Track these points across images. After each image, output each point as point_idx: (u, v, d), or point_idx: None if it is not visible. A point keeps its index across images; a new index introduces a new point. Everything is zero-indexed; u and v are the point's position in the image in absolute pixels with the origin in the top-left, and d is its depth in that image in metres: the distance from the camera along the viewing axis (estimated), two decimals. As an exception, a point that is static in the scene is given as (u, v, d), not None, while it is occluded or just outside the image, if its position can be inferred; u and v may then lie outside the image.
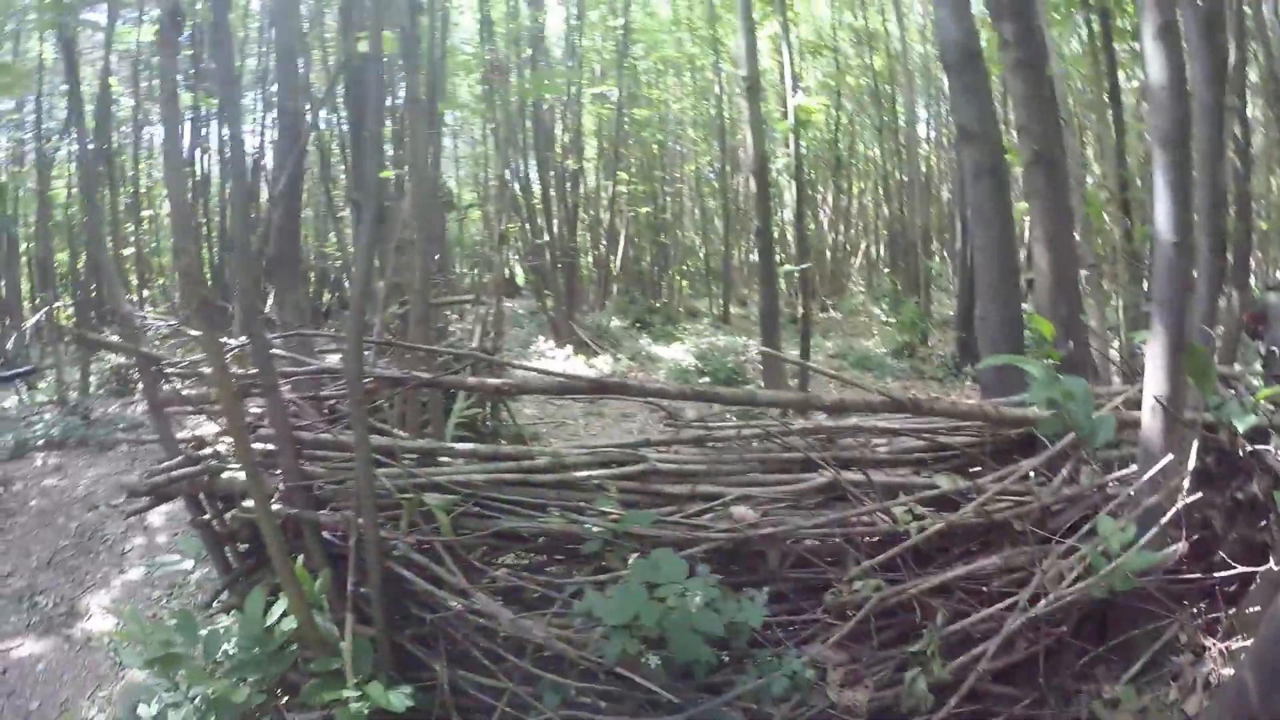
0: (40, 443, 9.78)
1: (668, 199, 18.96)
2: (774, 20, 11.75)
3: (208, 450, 3.49)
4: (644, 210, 17.32)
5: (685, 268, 19.74)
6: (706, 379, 10.82)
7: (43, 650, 5.39)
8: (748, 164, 14.73)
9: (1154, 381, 2.73)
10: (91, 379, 12.08)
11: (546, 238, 13.66)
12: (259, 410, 3.46)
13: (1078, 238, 5.98)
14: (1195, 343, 2.79)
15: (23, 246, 17.05)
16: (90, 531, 7.29)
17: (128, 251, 15.97)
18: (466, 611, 2.78)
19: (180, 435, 3.63)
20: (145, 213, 17.34)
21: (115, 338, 3.51)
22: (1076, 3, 8.21)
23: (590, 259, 17.44)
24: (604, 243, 16.79)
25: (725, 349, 13.02)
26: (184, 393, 3.59)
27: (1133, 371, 4.34)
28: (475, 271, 16.87)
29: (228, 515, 3.33)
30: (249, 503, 3.18)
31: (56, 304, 16.14)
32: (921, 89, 18.32)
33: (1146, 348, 2.81)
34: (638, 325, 14.21)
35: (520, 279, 16.41)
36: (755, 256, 20.27)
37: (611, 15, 15.16)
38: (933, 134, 20.07)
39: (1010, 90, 4.77)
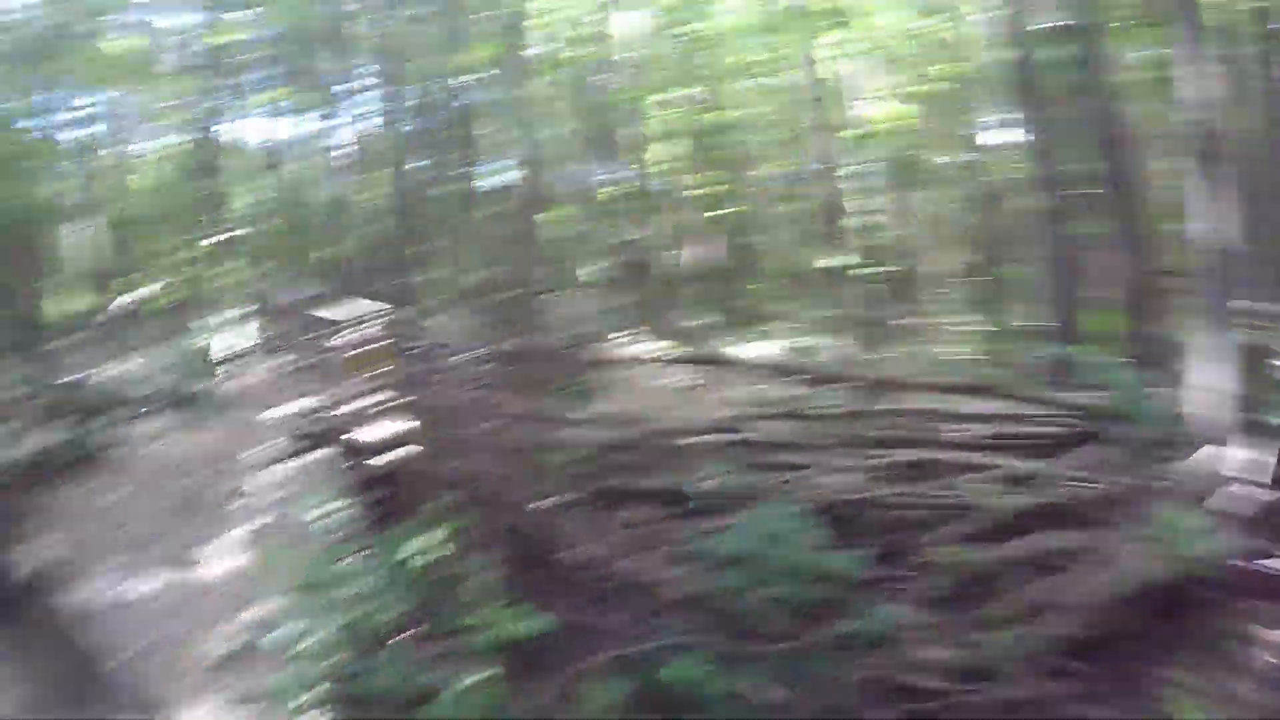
0: (144, 411, 10.61)
1: (747, 201, 19.25)
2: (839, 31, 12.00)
3: (356, 406, 4.03)
4: (725, 211, 17.68)
5: (764, 269, 19.97)
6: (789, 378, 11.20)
7: (161, 589, 5.94)
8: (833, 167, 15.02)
9: (1203, 373, 3.02)
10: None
11: (635, 235, 14.04)
12: (411, 373, 4.02)
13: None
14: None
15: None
16: (198, 490, 7.72)
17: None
18: (588, 555, 3.26)
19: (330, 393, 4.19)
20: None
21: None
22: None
23: (672, 256, 17.83)
24: (685, 241, 17.15)
25: (804, 350, 13.34)
26: (338, 355, 4.11)
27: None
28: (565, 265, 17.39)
29: (370, 464, 3.88)
30: (396, 453, 3.75)
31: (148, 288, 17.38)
32: (986, 98, 18.23)
33: (1195, 343, 3.11)
34: (720, 325, 14.60)
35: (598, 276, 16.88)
36: (835, 260, 20.69)
37: (685, 22, 15.60)
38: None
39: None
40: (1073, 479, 3.43)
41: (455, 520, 3.40)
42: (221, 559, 6.37)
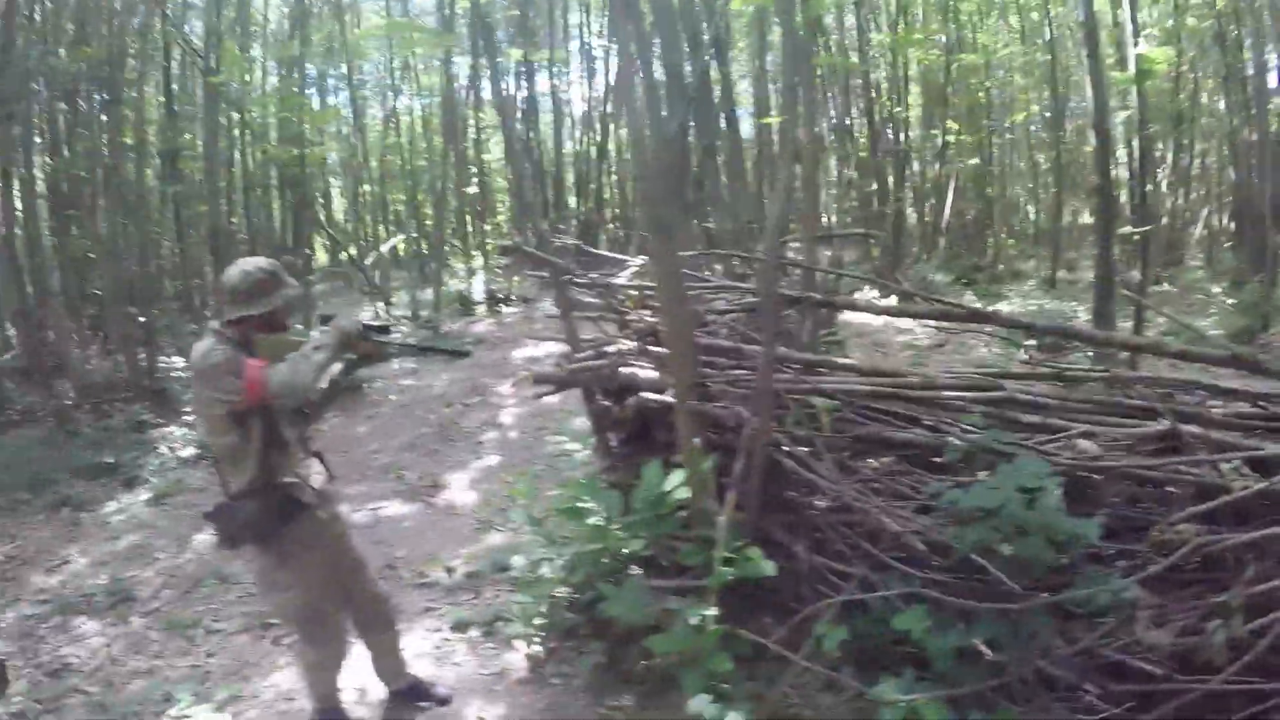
0: (396, 349, 11.60)
1: (994, 151, 18.19)
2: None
3: (610, 349, 4.28)
4: (971, 162, 16.87)
5: (1011, 225, 18.91)
6: (1033, 341, 10.66)
7: (409, 512, 6.43)
8: (1086, 117, 13.93)
9: None
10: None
11: (875, 186, 13.77)
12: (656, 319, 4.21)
13: None
14: None
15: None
16: (447, 423, 8.56)
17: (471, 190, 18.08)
18: (836, 501, 3.32)
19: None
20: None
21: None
22: None
23: (915, 211, 17.30)
24: (930, 195, 16.60)
25: (1053, 313, 12.60)
26: (586, 299, 4.38)
27: None
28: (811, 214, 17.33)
29: (624, 404, 4.13)
30: (648, 394, 3.96)
31: (399, 238, 18.93)
32: (1272, 33, 16.05)
33: None
34: (962, 282, 14.05)
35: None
36: (1087, 217, 19.20)
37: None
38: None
39: None
40: None
41: (702, 460, 3.48)
42: (469, 486, 6.93)
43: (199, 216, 13.21)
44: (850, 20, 16.24)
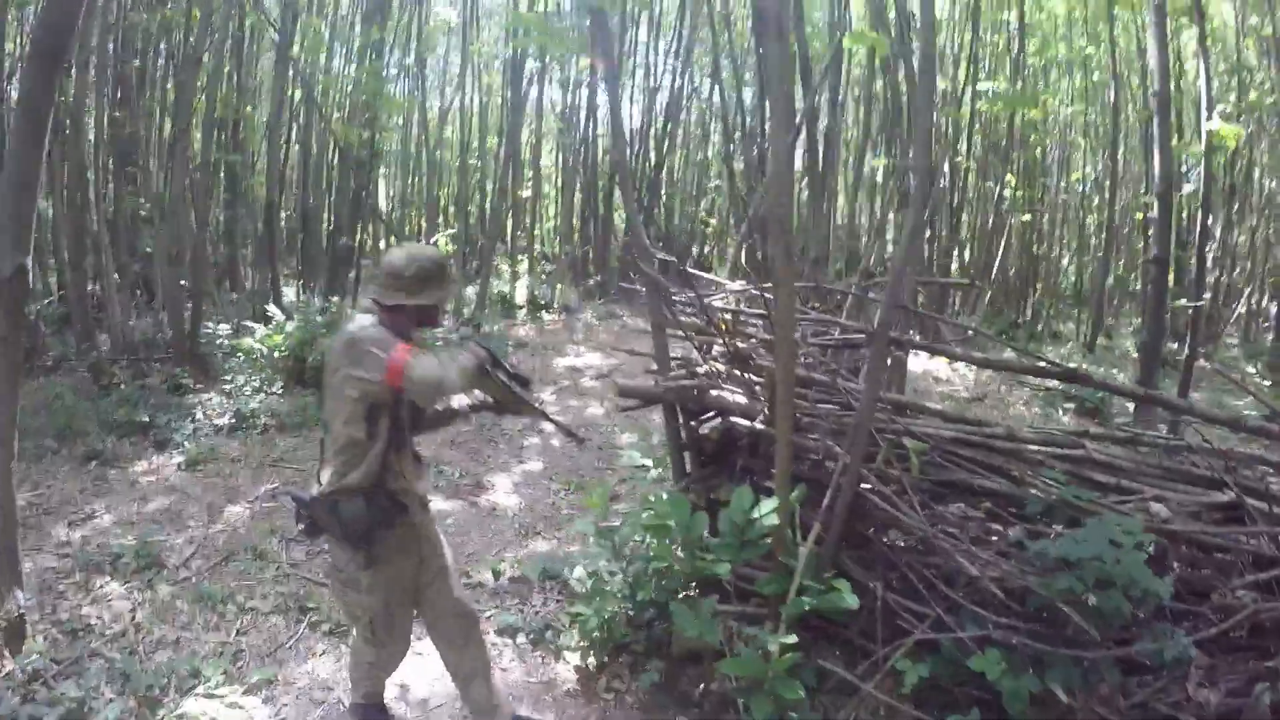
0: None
1: (1044, 209, 18.34)
2: (1190, 30, 11.17)
3: (701, 370, 4.38)
4: (1024, 218, 16.99)
5: (1052, 285, 19.01)
6: (1071, 404, 10.79)
7: (451, 509, 6.43)
8: (1138, 183, 14.08)
9: None
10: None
11: (928, 233, 13.82)
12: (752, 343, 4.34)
13: None
14: None
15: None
16: (489, 424, 8.44)
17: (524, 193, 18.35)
18: (916, 540, 3.42)
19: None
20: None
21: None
22: None
23: (961, 260, 17.38)
24: (978, 247, 16.71)
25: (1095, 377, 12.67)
26: (681, 318, 4.47)
27: None
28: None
29: (708, 426, 4.23)
30: (737, 419, 4.07)
31: (449, 231, 19.18)
32: None
33: None
34: (1003, 336, 14.15)
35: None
36: (1132, 284, 19.27)
37: (1004, 8, 15.02)
38: None
39: None
40: None
41: (784, 489, 3.57)
42: (513, 490, 6.96)
43: (253, 188, 13.43)
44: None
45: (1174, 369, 12.96)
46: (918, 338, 10.03)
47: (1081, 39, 16.14)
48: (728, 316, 4.33)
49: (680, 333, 4.47)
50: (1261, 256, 19.65)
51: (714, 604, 3.64)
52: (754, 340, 4.46)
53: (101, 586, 4.83)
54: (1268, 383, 13.83)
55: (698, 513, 3.74)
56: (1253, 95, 15.17)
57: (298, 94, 13.19)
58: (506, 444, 8.24)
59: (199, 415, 8.10)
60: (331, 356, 2.96)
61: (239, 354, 9.23)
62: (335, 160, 14.66)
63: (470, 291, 14.76)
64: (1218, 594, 3.30)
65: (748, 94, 17.71)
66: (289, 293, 13.06)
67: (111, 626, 4.41)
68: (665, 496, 3.91)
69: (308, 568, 5.30)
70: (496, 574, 5.24)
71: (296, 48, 11.30)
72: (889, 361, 4.01)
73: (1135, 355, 16.00)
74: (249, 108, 13.16)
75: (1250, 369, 15.21)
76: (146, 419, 7.68)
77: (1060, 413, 10.74)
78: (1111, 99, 16.03)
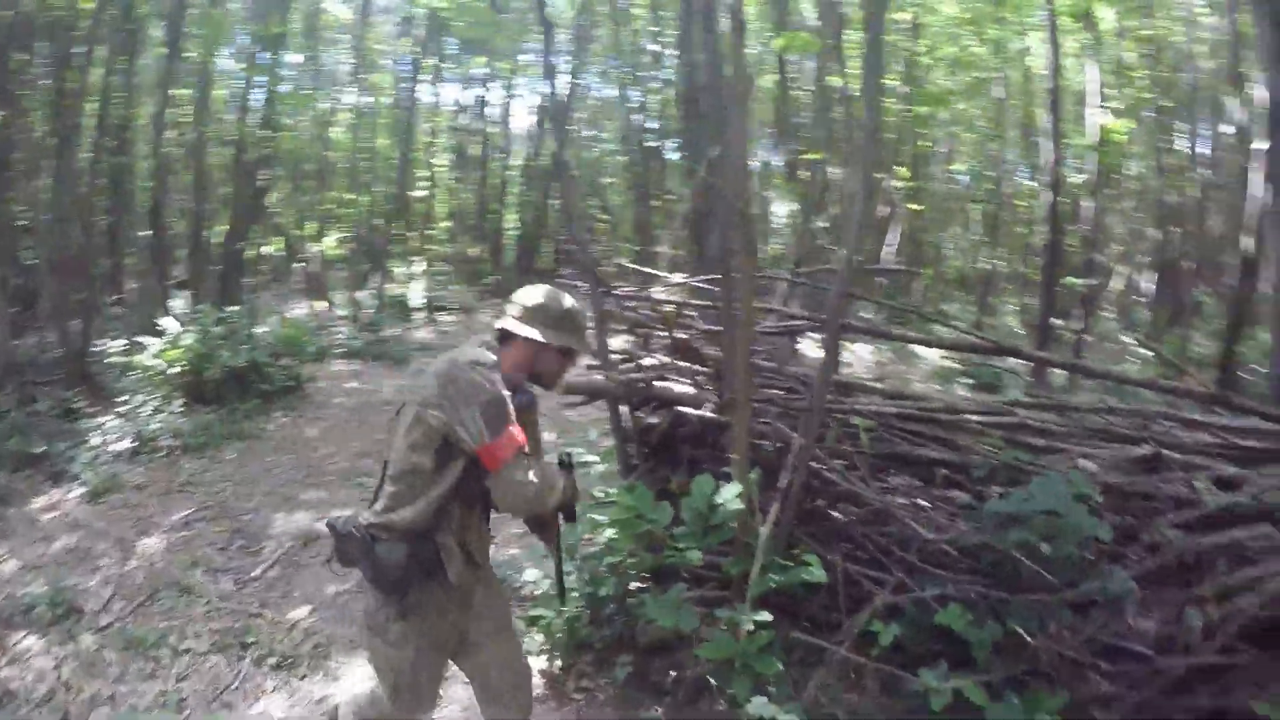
0: (339, 351, 11.47)
1: (930, 199, 19.17)
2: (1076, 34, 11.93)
3: (647, 363, 4.47)
4: (914, 208, 17.68)
5: (940, 271, 19.89)
6: (970, 379, 11.31)
7: None
8: (1039, 173, 14.90)
9: None
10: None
11: (824, 225, 14.26)
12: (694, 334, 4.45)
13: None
14: None
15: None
16: None
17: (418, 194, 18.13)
18: (870, 512, 3.60)
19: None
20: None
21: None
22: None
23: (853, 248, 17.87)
24: (869, 237, 17.22)
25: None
26: (624, 313, 4.55)
27: None
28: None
29: (655, 418, 4.32)
30: (685, 409, 4.18)
31: (341, 235, 18.75)
32: (1207, 110, 17.51)
33: None
34: (896, 323, 14.66)
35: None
36: (1011, 266, 20.36)
37: (897, 9, 15.57)
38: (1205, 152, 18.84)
39: None
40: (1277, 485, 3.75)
41: (743, 473, 3.66)
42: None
43: (139, 193, 12.83)
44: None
45: (1058, 343, 13.79)
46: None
47: (969, 40, 17.02)
48: (670, 308, 4.42)
49: (621, 326, 4.55)
50: (1134, 236, 21.08)
51: (682, 591, 3.73)
52: (695, 331, 4.58)
53: (17, 644, 4.47)
54: (1148, 350, 14.81)
55: (662, 502, 3.80)
56: (1133, 92, 16.32)
57: (187, 92, 12.67)
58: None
59: (96, 441, 7.61)
60: (420, 379, 2.61)
61: (134, 371, 8.75)
62: (228, 162, 14.15)
63: (364, 295, 14.50)
64: (1147, 535, 3.66)
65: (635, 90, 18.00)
66: (178, 303, 12.56)
67: (36, 689, 4.08)
68: (618, 490, 3.98)
69: (239, 599, 5.07)
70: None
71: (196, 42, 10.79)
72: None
73: (1021, 333, 16.96)
74: (136, 107, 12.53)
75: (1127, 339, 16.23)
76: (42, 449, 7.24)
77: (957, 388, 11.24)
78: (997, 95, 16.94)
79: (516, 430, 2.45)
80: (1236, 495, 3.70)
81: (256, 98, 12.20)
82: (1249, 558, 3.58)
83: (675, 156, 16.46)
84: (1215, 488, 3.85)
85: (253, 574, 5.37)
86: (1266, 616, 3.47)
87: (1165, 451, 3.95)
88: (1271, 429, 4.17)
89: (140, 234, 12.27)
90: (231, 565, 5.52)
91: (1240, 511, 3.71)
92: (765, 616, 3.40)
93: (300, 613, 4.89)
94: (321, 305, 14.26)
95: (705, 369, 4.32)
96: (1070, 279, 11.99)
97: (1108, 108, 11.25)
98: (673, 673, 3.92)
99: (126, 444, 7.54)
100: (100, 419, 8.16)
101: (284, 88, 12.69)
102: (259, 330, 10.04)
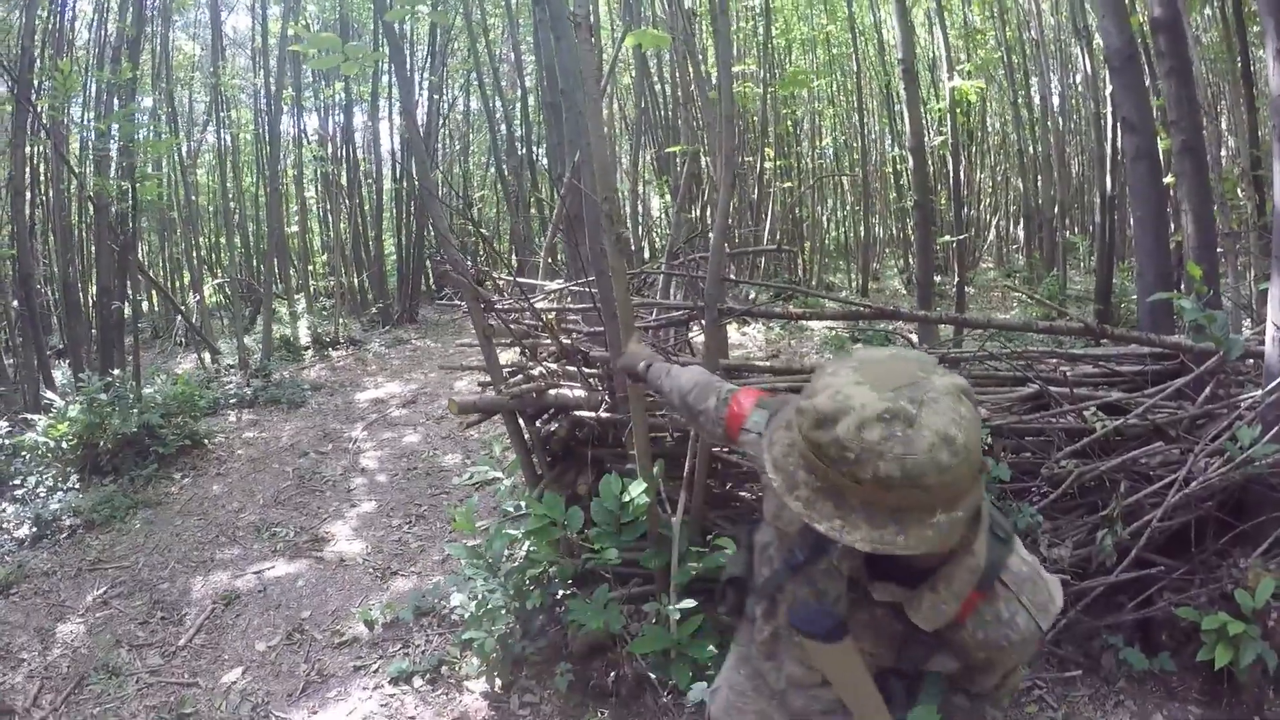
0: (232, 401, 11.10)
1: (801, 175, 19.63)
2: (928, 3, 12.41)
3: (536, 373, 4.46)
4: (786, 186, 18.07)
5: (819, 243, 20.39)
6: (860, 345, 11.64)
7: (298, 570, 6.14)
8: (901, 140, 15.41)
9: (1274, 315, 3.68)
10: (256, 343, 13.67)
11: (695, 213, 14.45)
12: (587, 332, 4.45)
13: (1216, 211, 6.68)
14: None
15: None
16: (307, 474, 8.32)
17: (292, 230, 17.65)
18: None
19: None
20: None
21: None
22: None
23: (733, 233, 18.17)
24: (746, 216, 17.54)
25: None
26: (506, 326, 4.53)
27: (1261, 319, 5.11)
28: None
29: (552, 425, 4.31)
30: (582, 413, 4.19)
31: (217, 281, 18.11)
32: (1056, 63, 18.42)
33: (1269, 292, 3.73)
34: (782, 298, 14.93)
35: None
36: (885, 231, 21.05)
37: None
38: (1056, 104, 19.74)
39: (1164, 91, 5.66)
40: (1162, 406, 4.03)
41: (647, 467, 3.71)
42: (354, 536, 6.75)
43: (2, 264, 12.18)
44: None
45: (941, 298, 14.30)
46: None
47: (821, 17, 17.52)
48: (552, 316, 4.43)
49: (507, 340, 4.54)
50: (1002, 189, 22.02)
51: (607, 592, 3.75)
52: (579, 335, 4.61)
53: (-51, 756, 4.32)
54: (1025, 295, 15.48)
55: (573, 507, 3.83)
56: (982, 53, 17.02)
57: (40, 148, 12.05)
58: (331, 490, 8.00)
59: (-11, 530, 7.28)
60: None
61: (23, 454, 8.30)
62: (89, 218, 13.53)
63: (250, 341, 14.09)
64: (1045, 468, 3.86)
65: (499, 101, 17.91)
66: (59, 374, 11.97)
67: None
68: (528, 501, 3.99)
69: (169, 671, 4.94)
70: (370, 624, 5.12)
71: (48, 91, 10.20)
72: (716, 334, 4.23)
73: (905, 293, 17.52)
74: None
75: (1007, 285, 16.93)
76: (-61, 547, 6.82)
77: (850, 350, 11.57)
78: (853, 69, 17.49)
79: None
80: (1126, 419, 3.94)
81: (113, 148, 11.58)
82: (1148, 475, 3.86)
83: (544, 164, 16.46)
84: (1104, 415, 4.09)
85: (179, 643, 5.22)
86: (1173, 527, 3.81)
87: (1051, 388, 4.16)
88: (1151, 352, 4.46)
89: (10, 306, 11.64)
90: (155, 638, 5.35)
91: (1132, 433, 3.99)
92: (691, 604, 3.46)
93: (233, 675, 4.80)
94: (207, 356, 13.74)
95: (594, 370, 4.35)
96: (945, 237, 12.48)
97: (959, 71, 11.76)
98: (612, 673, 3.96)
99: (27, 530, 7.15)
100: (-2, 506, 7.78)
101: (141, 134, 12.11)
102: (147, 391, 9.67)
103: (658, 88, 15.68)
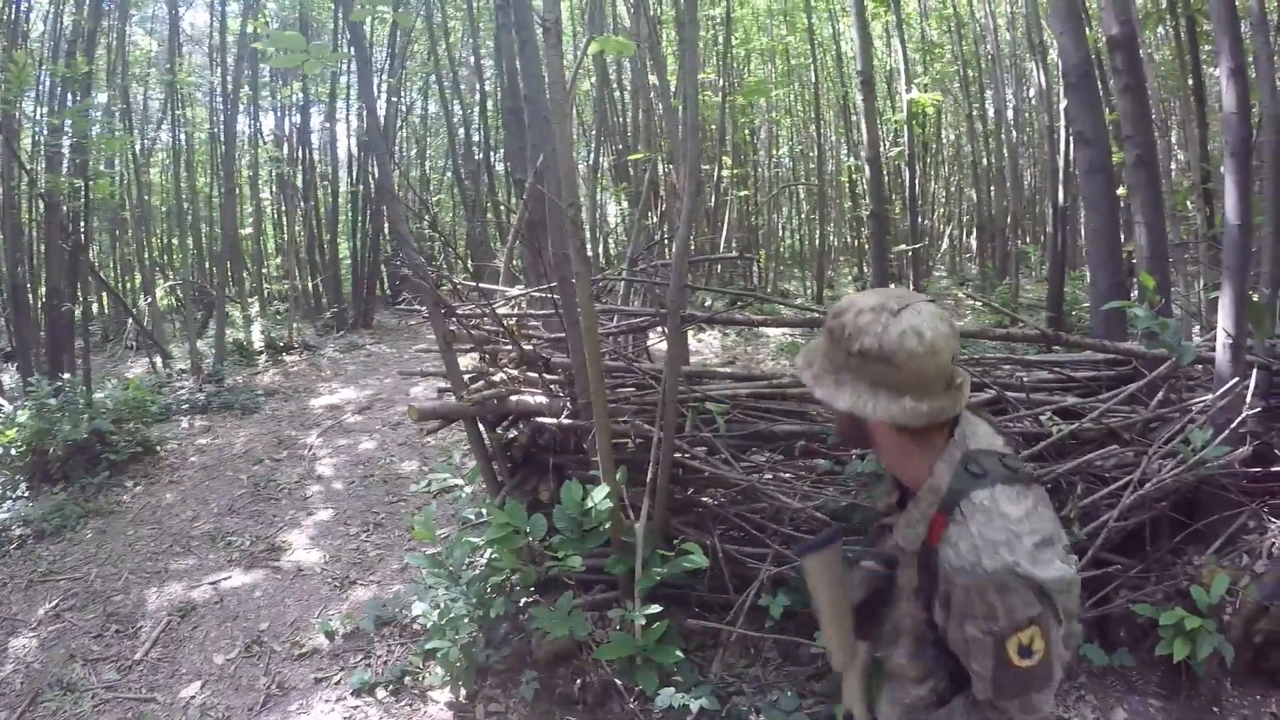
0: (185, 407, 10.90)
1: (757, 183, 19.80)
2: (887, 17, 12.61)
3: (497, 379, 4.43)
4: (743, 194, 18.18)
5: (775, 250, 20.55)
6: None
7: (254, 581, 6.00)
8: (856, 151, 15.61)
9: (1224, 323, 3.85)
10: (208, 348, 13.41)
11: (654, 219, 14.53)
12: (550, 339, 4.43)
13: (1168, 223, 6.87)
14: (1255, 298, 3.95)
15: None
16: (262, 482, 8.16)
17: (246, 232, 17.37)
18: (741, 490, 3.71)
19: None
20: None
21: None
22: (1164, 13, 9.09)
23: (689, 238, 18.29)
24: (705, 224, 17.64)
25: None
26: (465, 332, 4.49)
27: (1211, 327, 5.28)
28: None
29: (513, 432, 4.29)
30: (543, 419, 4.17)
31: (169, 283, 17.76)
32: (1011, 77, 18.80)
33: (1219, 301, 3.89)
34: (737, 305, 15.01)
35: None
36: (840, 239, 21.28)
37: (710, 4, 16.00)
38: (1010, 117, 20.20)
39: (1118, 107, 5.75)
40: (1117, 410, 4.15)
41: (610, 473, 3.69)
42: (311, 545, 6.63)
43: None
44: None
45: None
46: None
47: (781, 28, 17.68)
48: (513, 321, 4.41)
49: (467, 345, 4.50)
50: (955, 199, 22.38)
51: (571, 599, 3.73)
52: (540, 341, 4.59)
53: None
54: (979, 303, 15.72)
55: (535, 514, 3.81)
56: (939, 66, 17.32)
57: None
58: (287, 498, 7.85)
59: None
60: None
61: (-31, 462, 8.07)
62: (40, 217, 13.18)
63: (203, 345, 13.85)
64: None
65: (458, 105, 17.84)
66: (6, 378, 11.68)
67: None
68: (489, 509, 3.96)
69: (126, 686, 4.81)
70: (330, 635, 5.02)
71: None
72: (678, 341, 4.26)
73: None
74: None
75: (960, 294, 17.17)
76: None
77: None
78: (811, 80, 17.68)
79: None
80: (1082, 423, 4.03)
81: (65, 144, 11.27)
82: (1103, 477, 3.97)
83: (502, 168, 16.43)
84: (1060, 419, 4.18)
85: (135, 657, 5.08)
86: (1128, 527, 3.92)
87: (1008, 393, 4.23)
88: (1105, 358, 4.57)
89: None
90: (110, 652, 5.20)
91: (1087, 436, 4.08)
92: (656, 609, 3.46)
93: (192, 689, 4.69)
94: (159, 361, 13.46)
95: (556, 377, 4.34)
96: (900, 245, 12.65)
97: (917, 83, 11.96)
98: (578, 680, 3.95)
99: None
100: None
101: (95, 130, 11.81)
102: (98, 396, 9.45)
103: (617, 95, 15.70)
